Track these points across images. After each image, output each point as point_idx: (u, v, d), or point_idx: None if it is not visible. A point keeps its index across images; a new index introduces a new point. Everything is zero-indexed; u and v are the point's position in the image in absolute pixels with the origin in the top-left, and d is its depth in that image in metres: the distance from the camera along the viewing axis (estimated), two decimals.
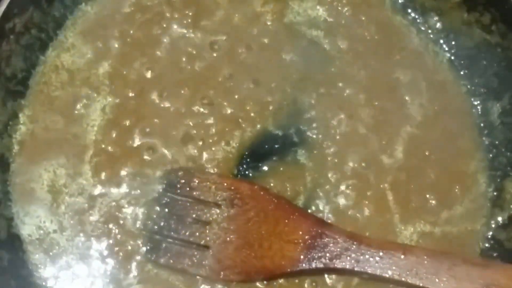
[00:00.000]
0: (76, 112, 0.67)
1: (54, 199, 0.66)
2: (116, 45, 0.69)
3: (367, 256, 0.62)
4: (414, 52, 0.73)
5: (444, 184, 0.69)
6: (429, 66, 0.72)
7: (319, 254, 0.63)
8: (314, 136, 0.69)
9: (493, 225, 0.69)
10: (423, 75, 0.72)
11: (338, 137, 0.69)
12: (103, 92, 0.68)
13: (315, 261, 0.63)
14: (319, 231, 0.63)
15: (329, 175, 0.68)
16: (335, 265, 0.62)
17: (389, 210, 0.68)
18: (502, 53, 0.69)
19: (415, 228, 0.68)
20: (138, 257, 0.64)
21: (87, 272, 0.65)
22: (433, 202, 0.69)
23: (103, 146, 0.67)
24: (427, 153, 0.70)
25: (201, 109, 0.68)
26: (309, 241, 0.63)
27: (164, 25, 0.70)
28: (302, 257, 0.63)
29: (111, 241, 0.65)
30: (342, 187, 0.68)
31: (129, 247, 0.65)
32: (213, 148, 0.67)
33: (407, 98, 0.71)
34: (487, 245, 0.68)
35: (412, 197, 0.69)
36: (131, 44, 0.69)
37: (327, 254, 0.63)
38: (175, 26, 0.70)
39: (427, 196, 0.69)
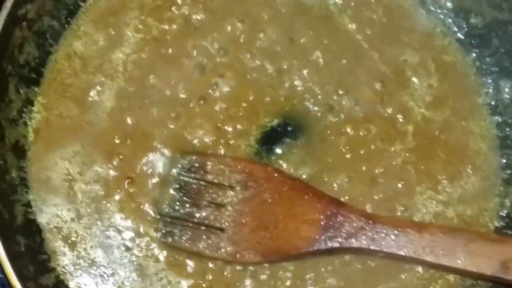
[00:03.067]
0: (90, 99, 0.68)
1: (71, 187, 0.66)
2: (128, 32, 0.69)
3: (382, 235, 0.62)
4: (423, 33, 0.73)
5: (455, 164, 0.69)
6: (438, 47, 0.73)
7: (335, 234, 0.63)
8: (326, 119, 0.69)
9: (507, 203, 0.69)
10: (432, 56, 0.72)
11: (348, 120, 0.69)
12: (117, 78, 0.68)
13: (330, 240, 0.63)
14: (334, 210, 0.63)
15: (341, 157, 0.69)
16: (351, 244, 0.63)
17: (400, 191, 0.68)
18: None
19: (428, 209, 0.68)
20: (157, 243, 0.65)
21: (108, 260, 0.65)
22: (445, 182, 0.69)
23: (118, 132, 0.67)
24: (436, 133, 0.70)
25: (217, 93, 0.69)
26: (324, 221, 0.63)
27: (176, 11, 0.70)
28: (317, 237, 0.63)
29: (129, 228, 0.66)
30: (355, 169, 0.68)
31: (149, 232, 0.66)
32: (228, 132, 0.68)
33: (415, 79, 0.71)
34: (502, 223, 0.69)
35: (423, 177, 0.69)
36: (143, 30, 0.69)
37: (343, 234, 0.63)
38: (186, 12, 0.70)
39: (438, 177, 0.69)
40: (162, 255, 0.65)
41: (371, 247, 0.62)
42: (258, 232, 0.64)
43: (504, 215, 0.69)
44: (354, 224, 0.63)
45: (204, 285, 0.65)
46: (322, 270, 0.66)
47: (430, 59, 0.72)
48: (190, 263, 0.65)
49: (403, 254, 0.62)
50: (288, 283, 0.65)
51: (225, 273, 0.65)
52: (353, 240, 0.63)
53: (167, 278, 0.65)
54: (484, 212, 0.69)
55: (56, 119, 0.67)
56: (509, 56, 0.70)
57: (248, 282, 0.65)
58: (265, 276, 0.65)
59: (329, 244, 0.63)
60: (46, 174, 0.66)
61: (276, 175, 0.65)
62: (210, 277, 0.65)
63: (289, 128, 0.69)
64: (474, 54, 0.72)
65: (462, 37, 0.73)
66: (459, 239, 0.61)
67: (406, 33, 0.73)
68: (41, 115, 0.67)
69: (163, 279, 0.65)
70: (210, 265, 0.65)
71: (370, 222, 0.63)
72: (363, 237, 0.63)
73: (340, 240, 0.63)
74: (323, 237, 0.63)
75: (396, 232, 0.62)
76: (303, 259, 0.65)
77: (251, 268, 0.65)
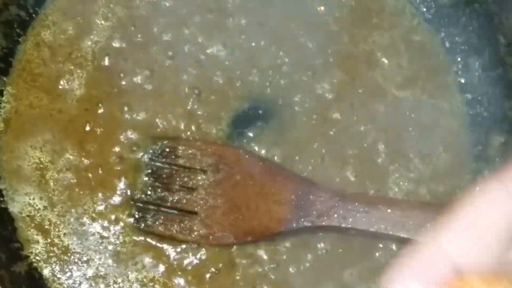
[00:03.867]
0: (60, 87, 0.68)
1: (42, 176, 0.66)
2: (96, 20, 0.69)
3: (353, 212, 0.63)
4: (392, 14, 0.73)
5: (426, 142, 0.70)
6: (407, 27, 0.73)
7: (307, 213, 0.63)
8: (297, 101, 0.69)
9: (479, 179, 0.69)
10: (401, 36, 0.73)
11: (319, 101, 0.70)
12: (86, 67, 0.68)
13: (302, 220, 0.63)
14: (305, 190, 0.64)
15: (313, 139, 0.69)
16: (323, 222, 0.63)
17: (372, 171, 0.69)
18: (480, 8, 0.69)
19: (400, 188, 0.69)
20: (131, 229, 0.65)
21: (82, 247, 0.65)
22: (416, 160, 0.69)
23: (88, 120, 0.67)
24: (407, 113, 0.70)
25: (187, 78, 0.69)
26: (296, 200, 0.64)
27: None
28: (289, 216, 0.63)
29: (103, 214, 0.66)
30: (327, 150, 0.69)
31: (122, 218, 0.66)
32: (199, 116, 0.68)
33: (385, 60, 0.72)
34: None
35: (394, 156, 0.69)
36: (111, 18, 0.69)
37: (314, 213, 0.63)
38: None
39: (410, 155, 0.69)
40: (136, 241, 0.65)
41: (343, 225, 0.63)
42: (231, 214, 0.64)
43: None
44: (325, 203, 0.63)
45: (179, 268, 0.65)
46: (296, 251, 0.66)
47: (400, 40, 0.73)
48: (165, 247, 0.66)
49: (374, 230, 0.62)
50: (264, 265, 0.66)
51: (199, 256, 0.65)
52: (324, 218, 0.63)
53: (142, 262, 0.65)
54: (457, 189, 0.69)
55: (26, 108, 0.67)
56: (477, 34, 0.71)
57: (220, 265, 0.65)
58: (240, 259, 0.66)
59: (301, 224, 0.63)
60: (17, 163, 0.66)
61: (247, 157, 0.65)
62: (186, 261, 0.65)
63: (260, 111, 0.69)
64: (443, 33, 0.73)
65: (431, 17, 0.73)
66: (430, 213, 0.61)
67: (375, 14, 0.73)
68: (11, 105, 0.67)
69: (138, 263, 0.65)
70: (184, 248, 0.65)
71: (341, 200, 0.63)
72: (335, 215, 0.63)
73: (312, 219, 0.63)
74: (295, 217, 0.63)
75: (367, 209, 0.62)
76: (276, 240, 0.65)
77: (226, 250, 0.65)
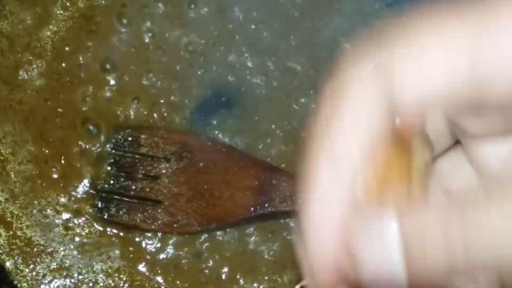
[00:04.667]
0: (19, 78, 0.67)
1: (3, 168, 0.66)
2: (55, 9, 0.68)
3: None
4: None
5: None
6: (369, 12, 0.73)
7: (269, 199, 0.63)
8: (260, 88, 0.69)
9: None
10: (363, 21, 0.73)
11: (282, 88, 0.70)
12: (46, 57, 0.67)
13: (266, 205, 0.63)
14: (268, 176, 0.64)
15: (276, 125, 0.69)
16: (286, 208, 0.63)
17: None
18: None
19: None
20: (94, 219, 0.65)
21: (45, 239, 0.65)
22: None
23: (49, 111, 0.67)
24: None
25: (149, 67, 0.68)
26: (259, 187, 0.64)
27: None
28: (253, 203, 0.63)
29: (66, 205, 0.65)
30: (290, 136, 0.69)
31: (85, 209, 0.65)
32: (162, 104, 0.68)
33: (347, 45, 0.72)
34: None
35: None
36: (70, 7, 0.69)
37: (277, 198, 0.63)
38: None
39: None
40: (101, 231, 0.65)
41: None
42: (194, 201, 0.64)
43: None
44: (289, 188, 0.63)
45: (144, 258, 0.65)
46: (263, 237, 0.66)
47: (361, 25, 0.73)
48: (130, 236, 0.65)
49: None
50: (231, 251, 0.66)
51: (165, 245, 0.65)
52: (288, 203, 0.63)
53: (107, 253, 0.65)
54: None
55: None
56: None
57: (186, 253, 0.65)
58: (206, 247, 0.66)
59: (265, 209, 0.63)
60: None
61: (210, 144, 0.65)
62: (151, 250, 0.65)
63: (223, 99, 0.69)
64: (404, 18, 0.73)
65: (392, 1, 0.74)
66: None
67: (337, 0, 0.73)
68: None
69: (103, 254, 0.65)
70: (149, 236, 0.65)
71: None
72: (298, 200, 0.63)
73: (275, 204, 0.63)
74: (258, 203, 0.63)
75: None
76: (241, 226, 0.65)
77: (191, 238, 0.65)
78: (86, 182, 0.65)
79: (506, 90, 0.31)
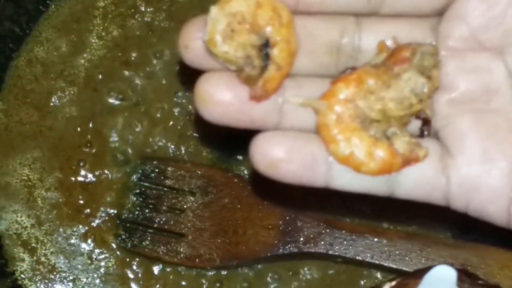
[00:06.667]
0: (51, 104, 0.68)
1: (30, 194, 0.66)
2: (91, 38, 0.69)
3: (340, 240, 0.63)
4: None
5: None
6: None
7: (293, 239, 0.63)
8: None
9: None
10: None
11: None
12: (78, 84, 0.68)
13: (289, 245, 0.63)
14: (293, 216, 0.64)
15: None
16: (310, 249, 0.63)
17: None
18: None
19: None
20: (118, 249, 0.65)
21: (69, 266, 0.65)
22: None
23: (79, 138, 0.67)
24: None
25: (178, 100, 0.69)
26: (283, 226, 0.64)
27: (139, 18, 0.70)
28: (276, 242, 0.63)
29: (91, 234, 0.66)
30: None
31: (110, 238, 0.66)
32: (190, 137, 0.68)
33: None
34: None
35: None
36: (105, 37, 0.69)
37: (301, 239, 0.63)
38: (148, 19, 0.70)
39: None
40: (124, 262, 0.65)
41: (330, 252, 0.63)
42: (218, 237, 0.64)
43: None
44: (313, 229, 0.63)
45: None
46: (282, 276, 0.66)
47: None
48: (152, 268, 0.65)
49: (361, 259, 0.62)
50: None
51: (186, 277, 0.65)
52: (311, 245, 0.63)
53: (129, 283, 0.65)
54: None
55: (16, 125, 0.67)
56: None
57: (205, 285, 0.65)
58: (226, 282, 0.66)
59: (288, 249, 0.63)
60: (5, 180, 0.66)
61: (235, 180, 0.66)
62: (174, 282, 0.65)
63: (249, 135, 0.69)
64: None
65: None
66: (415, 244, 0.62)
67: None
68: (1, 121, 0.67)
69: (125, 284, 0.65)
70: (172, 269, 0.65)
71: (328, 227, 0.63)
72: (322, 242, 0.63)
73: (298, 245, 0.63)
74: (281, 242, 0.63)
75: (354, 237, 0.63)
76: (261, 264, 0.65)
77: (210, 273, 0.66)
78: (111, 211, 0.66)
79: None
